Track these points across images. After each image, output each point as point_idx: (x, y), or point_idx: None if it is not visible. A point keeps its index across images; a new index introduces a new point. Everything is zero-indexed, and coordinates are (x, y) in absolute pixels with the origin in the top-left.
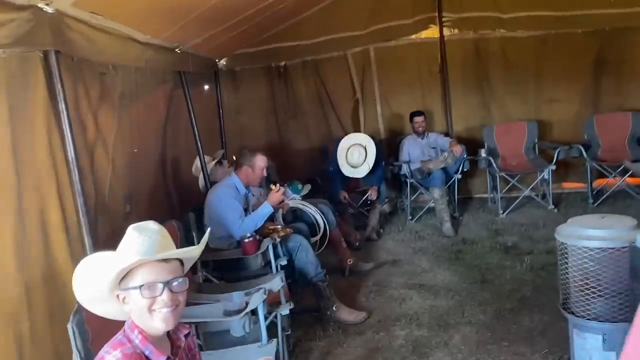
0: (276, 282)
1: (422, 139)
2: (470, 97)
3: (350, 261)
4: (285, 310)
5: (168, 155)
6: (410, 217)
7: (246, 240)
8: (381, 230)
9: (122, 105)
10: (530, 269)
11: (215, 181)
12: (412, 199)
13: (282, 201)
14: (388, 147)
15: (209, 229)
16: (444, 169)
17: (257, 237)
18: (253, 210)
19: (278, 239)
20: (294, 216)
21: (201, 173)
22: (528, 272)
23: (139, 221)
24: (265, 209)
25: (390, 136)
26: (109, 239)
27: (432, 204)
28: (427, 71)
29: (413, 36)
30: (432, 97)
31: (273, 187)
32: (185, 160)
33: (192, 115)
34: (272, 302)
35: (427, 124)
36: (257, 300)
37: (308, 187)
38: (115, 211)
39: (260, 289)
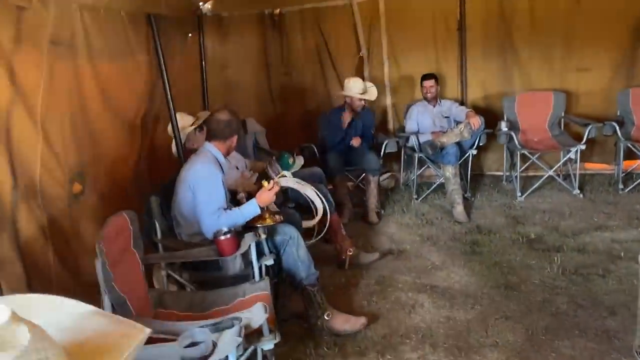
0: (257, 314)
1: (434, 106)
2: (490, 61)
3: (350, 251)
4: (269, 344)
5: (137, 118)
6: (415, 196)
7: (222, 237)
8: (382, 211)
9: (56, 54)
10: (562, 272)
11: (192, 150)
12: (417, 173)
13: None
14: (396, 115)
15: None
16: (458, 144)
17: (235, 231)
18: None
19: (264, 235)
20: (283, 196)
21: (173, 140)
22: (559, 276)
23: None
24: (251, 209)
25: (398, 101)
26: (44, 230)
27: (441, 180)
28: (443, 29)
29: None
30: (447, 59)
31: (265, 184)
32: (163, 124)
33: (163, 67)
34: (251, 332)
35: (439, 90)
36: (228, 345)
37: (300, 160)
38: (55, 195)
39: (235, 321)
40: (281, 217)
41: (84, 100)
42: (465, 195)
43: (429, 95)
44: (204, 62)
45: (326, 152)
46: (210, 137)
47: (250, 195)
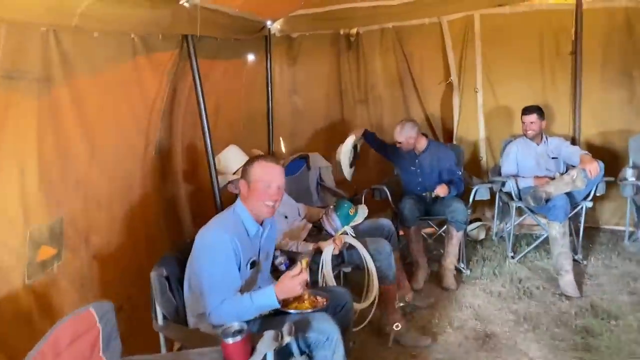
0: None
1: (538, 144)
2: (611, 91)
3: (397, 326)
4: None
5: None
6: (511, 254)
7: (229, 340)
8: (466, 271)
9: (12, 89)
10: None
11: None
12: (515, 223)
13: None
14: (490, 151)
15: None
16: (569, 194)
17: (250, 332)
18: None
19: (289, 337)
20: (338, 257)
21: (216, 184)
22: None
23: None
24: (265, 302)
25: (492, 136)
26: None
27: (545, 235)
28: (552, 51)
29: (536, 1)
30: (557, 88)
31: (302, 264)
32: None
33: (200, 95)
34: None
35: (545, 125)
36: None
37: (364, 211)
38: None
39: None
40: (325, 300)
41: (64, 140)
42: (576, 258)
43: (529, 132)
44: (269, 87)
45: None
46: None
47: (291, 261)
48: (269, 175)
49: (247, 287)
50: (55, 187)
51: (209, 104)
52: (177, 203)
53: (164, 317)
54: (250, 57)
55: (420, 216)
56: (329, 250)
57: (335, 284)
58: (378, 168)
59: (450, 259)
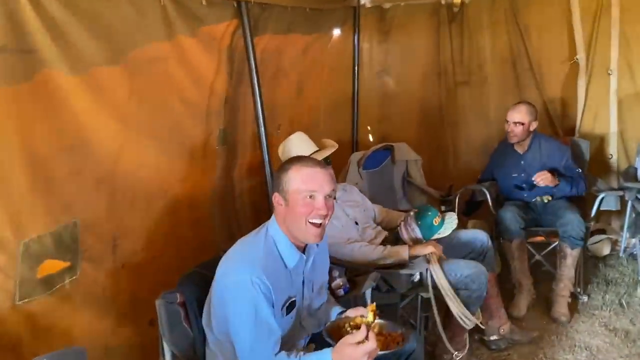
0: None
1: None
2: None
3: (457, 356)
4: None
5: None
6: None
7: None
8: (583, 298)
9: None
10: None
11: None
12: None
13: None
14: (624, 149)
15: None
16: None
17: None
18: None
19: None
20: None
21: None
22: None
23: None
24: None
25: (628, 130)
26: None
27: None
28: None
29: None
30: None
31: (368, 317)
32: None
33: (254, 74)
34: None
35: None
36: None
37: (452, 221)
38: None
39: None
40: (401, 338)
41: (70, 130)
42: None
43: None
44: (357, 67)
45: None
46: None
47: (353, 284)
48: (312, 182)
49: (289, 335)
50: (61, 187)
51: (288, 84)
52: (237, 202)
53: (173, 357)
54: (336, 31)
55: (526, 227)
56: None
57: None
58: (479, 160)
59: (564, 283)
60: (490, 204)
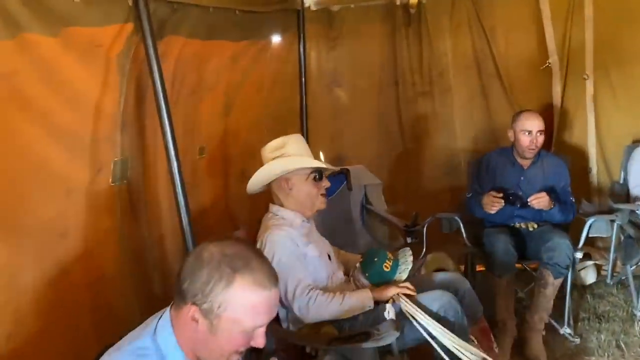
0: None
1: None
2: None
3: None
4: None
5: None
6: None
7: None
8: (573, 339)
9: None
10: None
11: None
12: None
13: None
14: (604, 163)
15: None
16: None
17: None
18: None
19: None
20: None
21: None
22: None
23: None
24: None
25: (607, 141)
26: None
27: None
28: None
29: None
30: None
31: None
32: None
33: (159, 86)
34: None
35: None
36: None
37: (407, 259)
38: None
39: None
40: None
41: None
42: None
43: None
44: (303, 78)
45: (483, 230)
46: None
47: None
48: (264, 314)
49: None
50: None
51: (214, 102)
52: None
53: None
54: (275, 38)
55: (517, 260)
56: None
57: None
58: (446, 180)
59: (540, 316)
60: (464, 234)
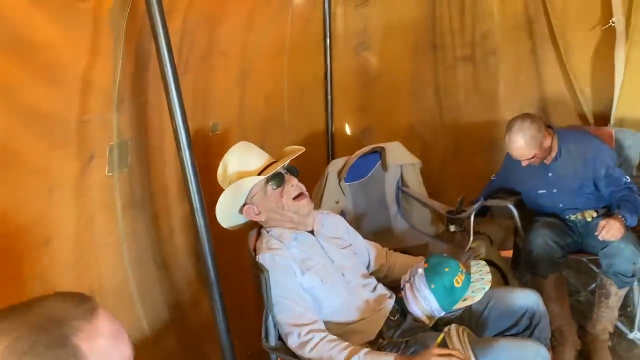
0: None
1: None
2: None
3: None
4: None
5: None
6: None
7: None
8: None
9: None
10: None
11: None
12: None
13: None
14: None
15: None
16: None
17: None
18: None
19: None
20: None
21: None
22: None
23: None
24: None
25: None
26: None
27: None
28: None
29: None
30: None
31: None
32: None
33: (165, 51)
34: None
35: None
36: None
37: (484, 275)
38: None
39: None
40: None
41: None
42: None
43: None
44: (328, 40)
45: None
46: None
47: None
48: None
49: None
50: None
51: (228, 69)
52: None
53: None
54: None
55: (564, 255)
56: None
57: None
58: (487, 157)
59: (603, 325)
60: (519, 225)
